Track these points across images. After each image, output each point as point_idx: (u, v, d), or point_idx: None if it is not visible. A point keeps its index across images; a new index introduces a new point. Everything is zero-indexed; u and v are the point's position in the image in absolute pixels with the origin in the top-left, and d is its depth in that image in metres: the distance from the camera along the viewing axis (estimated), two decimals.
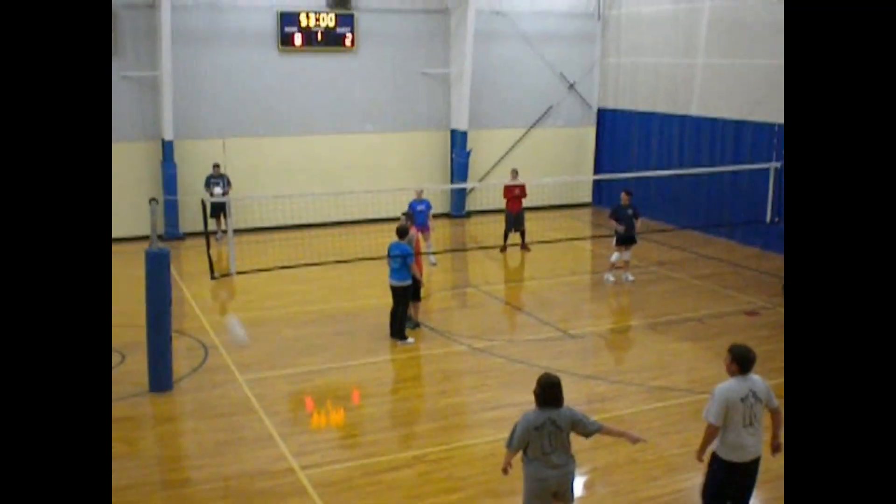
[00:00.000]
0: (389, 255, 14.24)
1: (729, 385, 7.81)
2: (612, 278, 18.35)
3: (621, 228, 17.79)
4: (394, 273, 14.20)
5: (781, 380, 12.53)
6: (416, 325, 15.00)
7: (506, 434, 10.74)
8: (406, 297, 14.24)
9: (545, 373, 8.01)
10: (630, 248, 18.21)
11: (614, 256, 18.21)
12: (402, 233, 14.30)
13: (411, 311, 15.02)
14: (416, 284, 14.79)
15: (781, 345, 14.24)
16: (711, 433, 7.80)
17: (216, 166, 21.91)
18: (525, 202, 21.11)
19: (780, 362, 13.42)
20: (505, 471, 7.87)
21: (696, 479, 9.79)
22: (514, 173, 21.22)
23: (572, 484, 7.85)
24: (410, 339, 14.50)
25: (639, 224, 18.13)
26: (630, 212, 17.99)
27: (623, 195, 18.12)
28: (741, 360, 7.81)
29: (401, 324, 14.37)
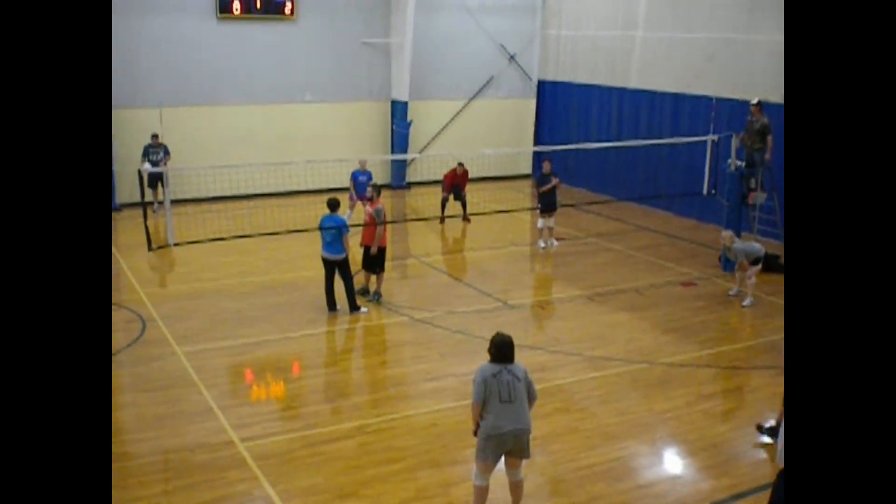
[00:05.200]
0: (321, 228, 14.19)
1: None
2: (542, 244, 18.89)
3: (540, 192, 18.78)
4: (327, 246, 14.13)
5: (716, 349, 12.86)
6: (378, 295, 15.00)
7: (446, 404, 10.94)
8: (344, 269, 14.18)
9: (498, 332, 8.18)
10: (553, 215, 18.72)
11: (541, 223, 18.87)
12: (333, 205, 14.21)
13: (372, 281, 15.04)
14: (382, 255, 14.82)
15: (716, 315, 14.59)
16: None
17: (155, 136, 21.56)
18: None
19: (714, 332, 13.75)
20: (475, 432, 7.98)
21: (633, 447, 9.99)
22: (461, 166, 21.02)
23: (528, 440, 7.93)
24: (364, 309, 14.47)
25: (556, 183, 18.67)
26: (554, 180, 18.59)
27: (545, 163, 18.78)
28: None
29: (350, 295, 14.34)
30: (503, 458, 8.07)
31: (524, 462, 8.23)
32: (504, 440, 7.80)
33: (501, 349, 7.97)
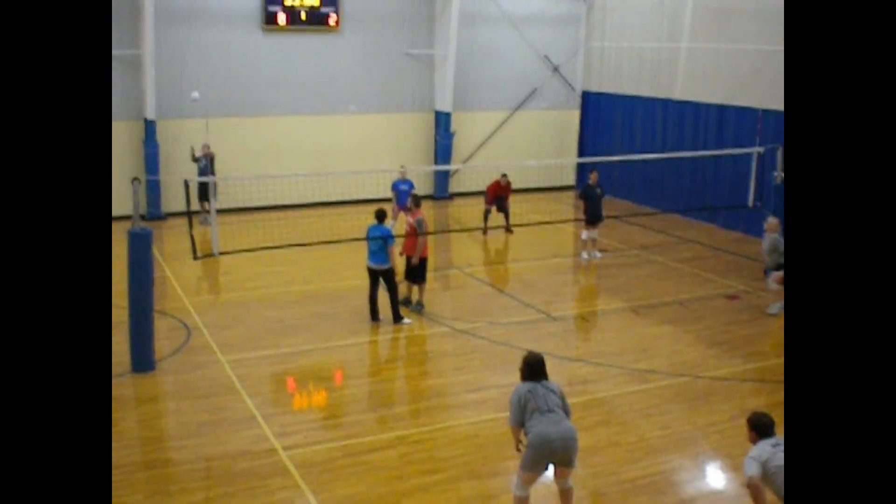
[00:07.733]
0: (368, 238, 14.25)
1: None
2: (586, 255, 18.83)
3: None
4: (372, 256, 14.18)
5: (761, 363, 12.70)
6: (420, 306, 15.02)
7: (487, 415, 10.90)
8: (390, 279, 14.22)
9: (529, 351, 8.38)
10: (597, 226, 18.69)
11: (584, 234, 18.81)
12: (380, 216, 14.26)
13: (414, 292, 15.08)
14: (423, 265, 14.87)
15: (761, 328, 14.39)
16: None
17: (205, 146, 21.44)
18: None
19: (760, 346, 13.57)
20: (518, 448, 8.08)
21: (676, 461, 9.89)
22: (504, 177, 21.02)
23: (576, 448, 7.93)
24: (408, 320, 14.48)
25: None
26: (598, 191, 18.64)
27: (591, 174, 18.83)
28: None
29: (395, 305, 14.37)
30: (545, 470, 8.10)
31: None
32: (553, 448, 7.81)
33: (533, 367, 8.13)
